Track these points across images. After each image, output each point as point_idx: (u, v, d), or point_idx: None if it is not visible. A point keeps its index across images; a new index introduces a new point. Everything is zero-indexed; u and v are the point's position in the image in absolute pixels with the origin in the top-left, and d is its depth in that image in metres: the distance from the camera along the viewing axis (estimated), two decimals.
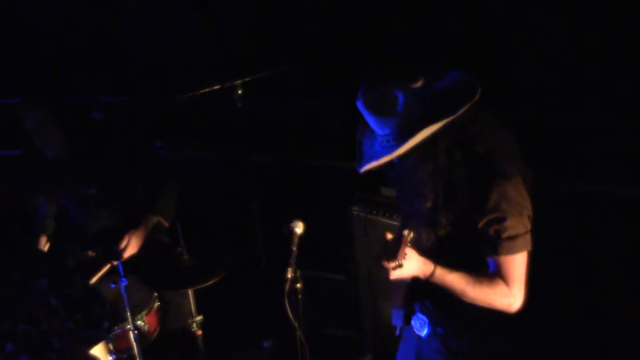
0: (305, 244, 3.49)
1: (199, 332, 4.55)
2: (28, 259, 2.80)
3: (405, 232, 2.97)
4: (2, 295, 2.65)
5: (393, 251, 2.92)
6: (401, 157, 2.95)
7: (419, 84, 2.87)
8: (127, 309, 4.02)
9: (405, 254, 2.93)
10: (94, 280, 4.26)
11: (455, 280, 3.00)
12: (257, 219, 4.93)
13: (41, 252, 2.85)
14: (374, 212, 4.56)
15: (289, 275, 3.32)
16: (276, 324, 4.77)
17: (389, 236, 3.03)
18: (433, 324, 3.23)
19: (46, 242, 4.55)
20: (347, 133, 5.02)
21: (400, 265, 2.91)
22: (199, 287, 4.22)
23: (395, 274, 2.96)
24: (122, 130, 4.63)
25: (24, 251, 2.84)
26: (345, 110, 5.23)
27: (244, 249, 5.12)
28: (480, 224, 2.92)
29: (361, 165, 3.03)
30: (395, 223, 4.40)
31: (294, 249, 3.39)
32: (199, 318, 4.55)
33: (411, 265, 2.99)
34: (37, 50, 6.27)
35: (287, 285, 3.32)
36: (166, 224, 4.64)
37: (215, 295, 4.59)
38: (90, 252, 4.63)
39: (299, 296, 3.42)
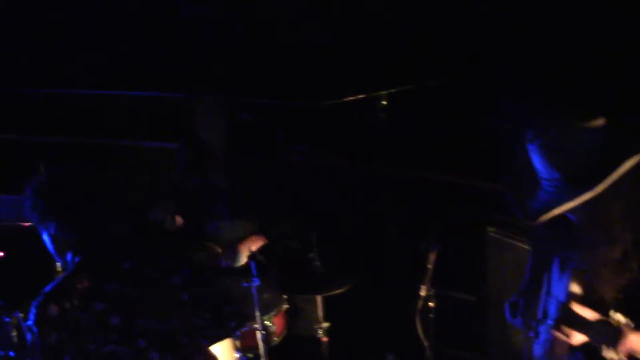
0: (437, 261, 3.45)
1: (325, 339, 4.57)
2: (165, 256, 2.86)
3: (625, 321, 2.75)
4: (137, 292, 2.72)
5: (610, 340, 2.71)
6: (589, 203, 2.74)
7: (600, 122, 2.68)
8: (257, 308, 4.08)
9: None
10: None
11: None
12: (391, 232, 4.91)
13: (178, 248, 2.90)
14: (511, 235, 4.47)
15: (423, 293, 3.29)
16: (401, 337, 4.77)
17: (592, 315, 2.78)
18: None
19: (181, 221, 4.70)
20: (488, 152, 4.95)
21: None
22: (328, 294, 4.25)
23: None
24: (265, 132, 4.73)
25: (161, 248, 2.90)
26: (488, 129, 5.15)
27: (375, 260, 5.11)
28: None
29: (534, 214, 2.74)
30: None
31: (430, 267, 3.36)
32: (325, 325, 4.57)
33: None
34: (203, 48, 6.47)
35: (420, 303, 3.30)
36: (293, 231, 4.70)
37: (343, 303, 4.60)
38: (218, 248, 4.73)
39: (430, 315, 3.39)
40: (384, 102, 4.59)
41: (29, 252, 5.11)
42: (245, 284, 4.05)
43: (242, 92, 4.89)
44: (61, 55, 6.74)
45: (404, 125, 5.20)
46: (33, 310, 2.61)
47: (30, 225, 5.10)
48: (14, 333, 4.16)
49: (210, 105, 4.52)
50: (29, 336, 2.62)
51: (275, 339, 4.39)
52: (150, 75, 6.55)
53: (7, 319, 4.18)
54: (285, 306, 4.46)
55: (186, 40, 6.50)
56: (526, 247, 4.36)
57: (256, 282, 4.02)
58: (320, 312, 4.55)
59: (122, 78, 6.69)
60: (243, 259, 4.50)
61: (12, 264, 5.26)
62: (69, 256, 2.78)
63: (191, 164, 4.76)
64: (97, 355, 2.61)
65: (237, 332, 3.99)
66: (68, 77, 6.84)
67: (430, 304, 3.38)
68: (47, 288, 2.66)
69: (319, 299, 4.50)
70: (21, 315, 4.19)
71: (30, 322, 2.60)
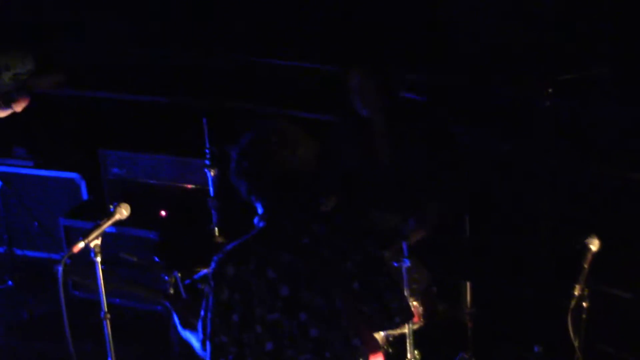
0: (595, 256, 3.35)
1: (470, 324, 4.54)
2: (340, 239, 2.90)
3: None
4: (309, 268, 2.78)
5: None
6: None
7: None
8: (406, 288, 4.10)
9: None
10: None
11: None
12: (544, 224, 4.80)
13: (355, 233, 2.90)
14: None
15: (576, 293, 3.20)
16: (551, 330, 4.66)
17: None
18: None
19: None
20: None
21: None
22: (479, 279, 4.21)
23: None
24: (423, 111, 4.71)
25: (339, 230, 2.93)
26: None
27: (528, 250, 5.02)
28: None
29: None
30: None
31: (585, 266, 3.26)
32: (472, 310, 4.53)
33: None
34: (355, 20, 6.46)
35: (573, 302, 3.22)
36: (446, 212, 4.66)
37: (492, 289, 4.54)
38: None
39: (584, 315, 3.29)
40: (550, 90, 4.48)
41: (189, 214, 5.33)
42: (395, 264, 4.07)
43: (402, 67, 4.84)
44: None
45: (566, 113, 5.05)
46: (212, 265, 2.74)
47: (192, 187, 5.30)
48: (171, 291, 4.32)
49: (362, 79, 4.49)
50: (206, 287, 2.76)
51: (422, 320, 4.40)
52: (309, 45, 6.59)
53: (166, 277, 4.34)
54: (434, 289, 4.45)
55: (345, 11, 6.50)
56: None
57: (406, 263, 4.04)
58: (468, 297, 4.51)
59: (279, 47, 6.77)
60: None
61: (173, 225, 5.48)
62: (255, 219, 2.87)
63: (351, 139, 4.75)
64: (262, 321, 2.71)
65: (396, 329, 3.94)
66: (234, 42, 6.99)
67: (584, 304, 3.27)
68: (229, 247, 2.78)
69: (468, 284, 4.46)
70: (179, 275, 4.34)
71: (209, 274, 2.74)
